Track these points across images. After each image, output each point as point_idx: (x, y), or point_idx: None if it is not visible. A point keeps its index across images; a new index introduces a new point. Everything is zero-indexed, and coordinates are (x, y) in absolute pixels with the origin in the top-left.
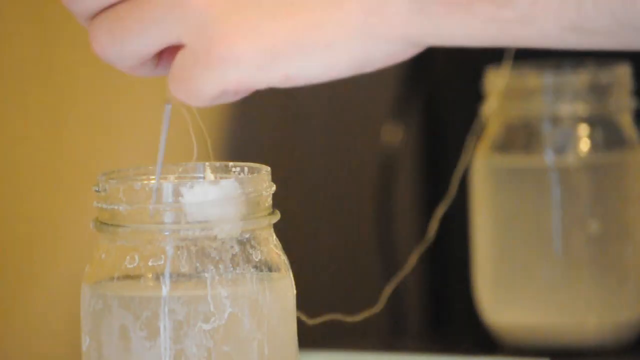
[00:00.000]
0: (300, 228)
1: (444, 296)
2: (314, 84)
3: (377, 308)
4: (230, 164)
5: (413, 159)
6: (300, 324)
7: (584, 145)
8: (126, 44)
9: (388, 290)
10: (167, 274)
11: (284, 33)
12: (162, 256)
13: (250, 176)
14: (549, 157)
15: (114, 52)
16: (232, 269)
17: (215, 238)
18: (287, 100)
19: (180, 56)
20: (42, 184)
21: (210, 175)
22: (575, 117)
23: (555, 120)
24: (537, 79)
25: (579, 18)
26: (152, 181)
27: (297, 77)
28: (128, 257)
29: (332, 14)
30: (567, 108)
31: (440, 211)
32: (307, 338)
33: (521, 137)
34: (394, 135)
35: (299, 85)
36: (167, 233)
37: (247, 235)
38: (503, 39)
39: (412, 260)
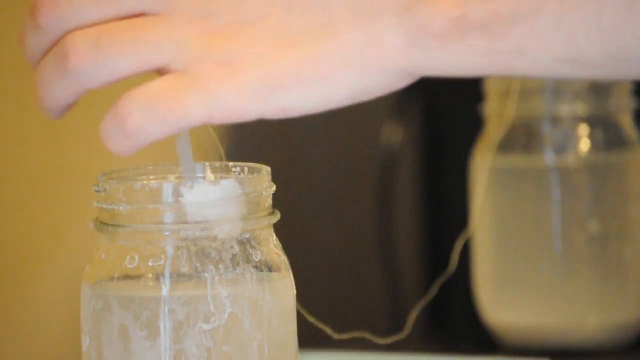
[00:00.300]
0: (300, 228)
1: (444, 296)
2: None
3: (404, 332)
4: (230, 164)
5: (413, 159)
6: (299, 322)
7: (584, 145)
8: (111, 60)
9: (413, 315)
10: (167, 274)
11: (284, 64)
12: (162, 256)
13: (250, 176)
14: (549, 157)
15: (94, 67)
16: (232, 269)
17: (215, 238)
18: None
19: (165, 79)
20: (42, 184)
21: (210, 175)
22: (575, 117)
23: (555, 120)
24: (537, 79)
25: (572, 50)
26: (153, 181)
27: (294, 108)
28: (128, 257)
29: (330, 46)
30: (567, 108)
31: (460, 243)
32: (308, 337)
33: (521, 137)
34: (394, 135)
35: (294, 117)
36: (167, 233)
37: (247, 235)
38: (497, 70)
39: (434, 289)
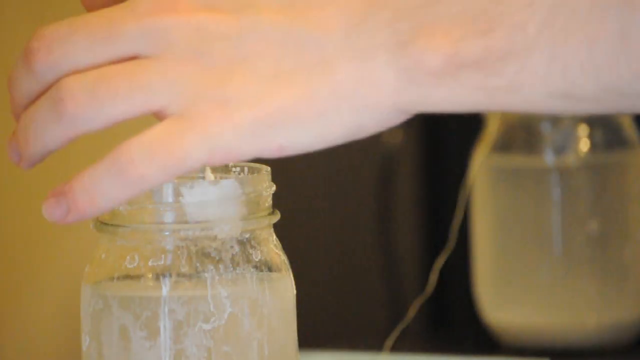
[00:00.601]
0: (300, 228)
1: (444, 296)
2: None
3: (384, 351)
4: (230, 164)
5: (413, 159)
6: (299, 322)
7: (584, 145)
8: (107, 105)
9: (395, 334)
10: (167, 274)
11: (279, 103)
12: (162, 256)
13: (250, 176)
14: (549, 157)
15: (89, 112)
16: (232, 269)
17: (215, 238)
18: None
19: (163, 124)
20: (42, 184)
21: (210, 175)
22: (575, 117)
23: (555, 120)
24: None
25: (566, 85)
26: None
27: (290, 147)
28: (128, 257)
29: (324, 84)
30: None
31: (440, 262)
32: (308, 338)
33: (521, 137)
34: (394, 135)
35: (291, 155)
36: (167, 233)
37: (247, 235)
38: (492, 106)
39: (413, 310)
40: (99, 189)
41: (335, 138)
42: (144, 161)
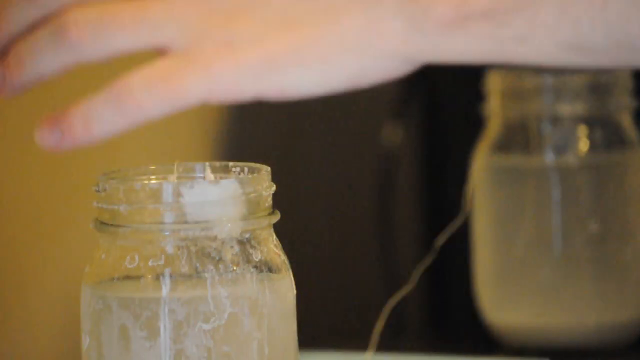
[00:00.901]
0: (300, 228)
1: (444, 296)
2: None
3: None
4: (230, 164)
5: (413, 159)
6: (299, 323)
7: (584, 145)
8: (111, 36)
9: (388, 307)
10: (167, 274)
11: (284, 45)
12: (162, 256)
13: (250, 176)
14: (549, 157)
15: (92, 41)
16: (232, 269)
17: (215, 238)
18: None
19: (166, 59)
20: (42, 183)
21: (210, 175)
22: (575, 117)
23: (555, 120)
24: (536, 79)
25: (575, 36)
26: (153, 181)
27: (292, 89)
28: (128, 257)
29: (330, 29)
30: (567, 108)
31: (440, 241)
32: (307, 338)
33: (521, 137)
34: (394, 135)
35: (292, 99)
36: (167, 233)
37: (247, 235)
38: (500, 57)
39: (415, 275)
40: (95, 115)
41: (338, 83)
42: (143, 92)
